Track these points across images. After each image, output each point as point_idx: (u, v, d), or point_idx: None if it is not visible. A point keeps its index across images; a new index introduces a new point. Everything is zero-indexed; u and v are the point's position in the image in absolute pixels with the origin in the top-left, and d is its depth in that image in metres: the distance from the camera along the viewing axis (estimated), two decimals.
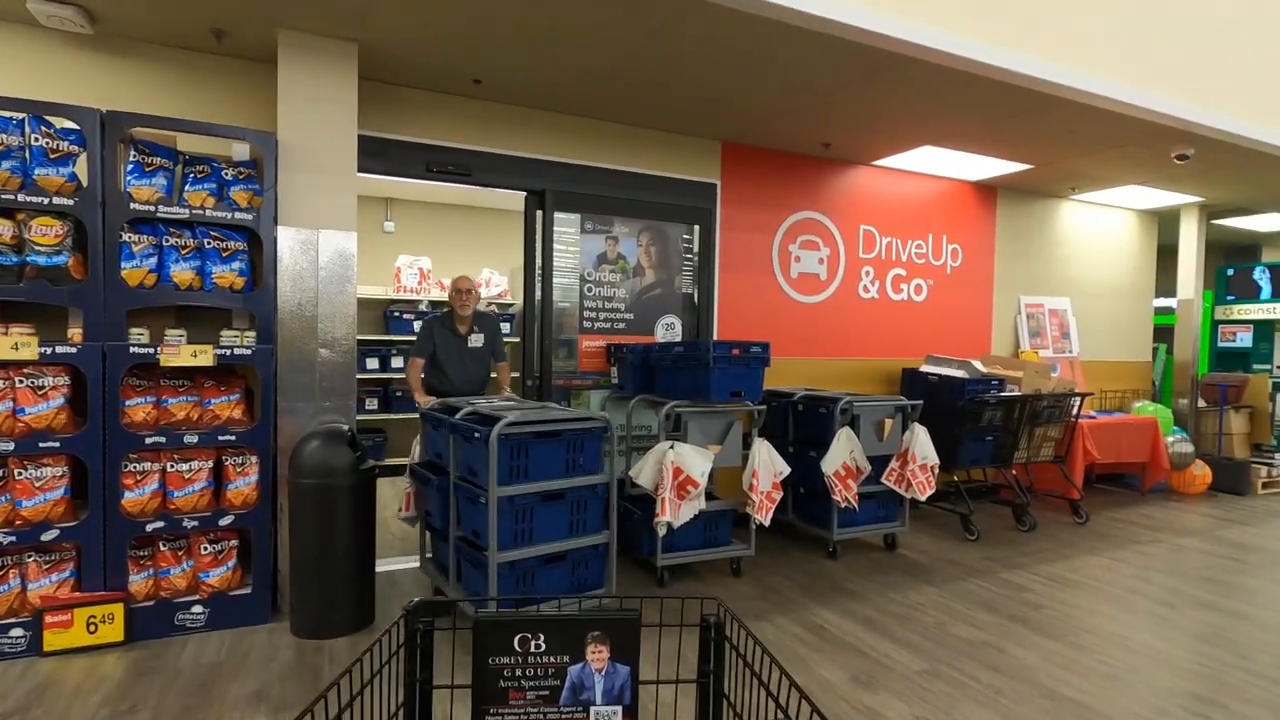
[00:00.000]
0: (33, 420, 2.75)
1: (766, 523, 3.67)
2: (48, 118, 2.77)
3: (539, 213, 4.25)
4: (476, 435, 2.80)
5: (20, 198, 2.70)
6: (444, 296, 6.52)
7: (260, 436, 3.08)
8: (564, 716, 1.36)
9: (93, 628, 2.76)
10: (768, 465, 3.72)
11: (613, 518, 3.13)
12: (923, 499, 4.14)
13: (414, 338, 6.25)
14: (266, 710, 2.37)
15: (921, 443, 4.15)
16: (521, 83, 3.78)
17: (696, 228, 4.73)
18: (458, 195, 6.76)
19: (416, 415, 6.26)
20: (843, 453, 3.95)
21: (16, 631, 2.70)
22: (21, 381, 2.74)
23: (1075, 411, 5.10)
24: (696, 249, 4.74)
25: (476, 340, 4.01)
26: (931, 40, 3.17)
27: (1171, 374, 7.22)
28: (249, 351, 3.05)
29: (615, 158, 4.43)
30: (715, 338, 4.76)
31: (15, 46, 3.11)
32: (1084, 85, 3.65)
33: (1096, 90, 3.70)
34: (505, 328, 6.63)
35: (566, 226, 4.33)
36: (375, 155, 3.74)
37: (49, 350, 2.73)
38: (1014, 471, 4.98)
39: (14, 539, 2.71)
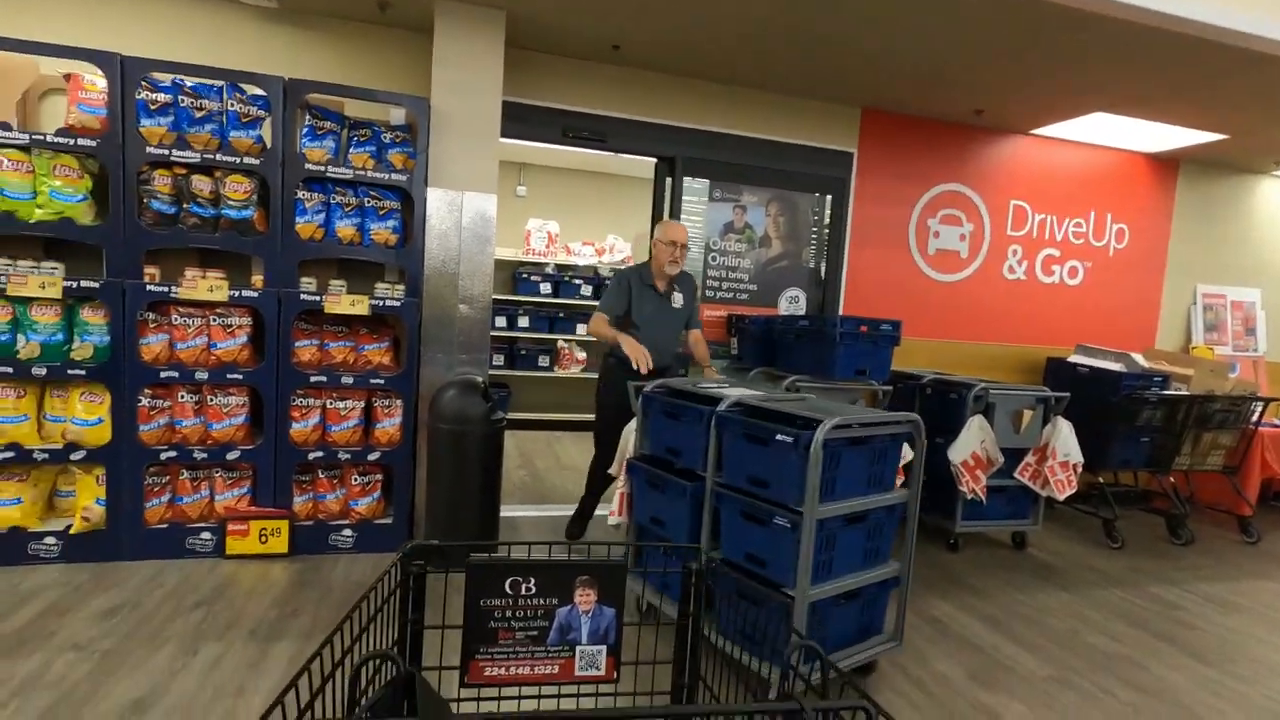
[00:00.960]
0: (223, 354, 3.14)
1: None
2: (241, 85, 3.10)
3: (668, 179, 4.26)
4: (783, 439, 2.18)
5: (218, 157, 3.05)
6: (572, 260, 6.73)
7: (405, 382, 3.35)
8: (550, 655, 1.40)
9: (264, 539, 3.16)
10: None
11: (909, 546, 2.53)
12: (1060, 498, 3.84)
13: (539, 299, 6.56)
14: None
15: (1064, 438, 3.83)
16: (659, 47, 3.77)
17: (829, 198, 4.56)
18: (587, 161, 6.89)
19: (539, 373, 6.61)
20: (973, 442, 3.73)
21: (205, 535, 3.14)
22: (214, 320, 3.13)
23: (1255, 418, 4.50)
24: (828, 220, 4.58)
25: (677, 300, 3.58)
26: None
27: None
28: (398, 304, 3.30)
29: (749, 124, 4.33)
30: (841, 313, 4.61)
31: (213, 20, 3.48)
32: None
33: None
34: None
35: (694, 194, 4.31)
36: (515, 120, 3.88)
37: (237, 294, 3.09)
38: (1172, 479, 4.50)
39: (205, 456, 3.14)
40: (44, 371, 2.91)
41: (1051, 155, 5.01)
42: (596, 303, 6.63)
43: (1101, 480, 4.38)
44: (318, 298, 3.19)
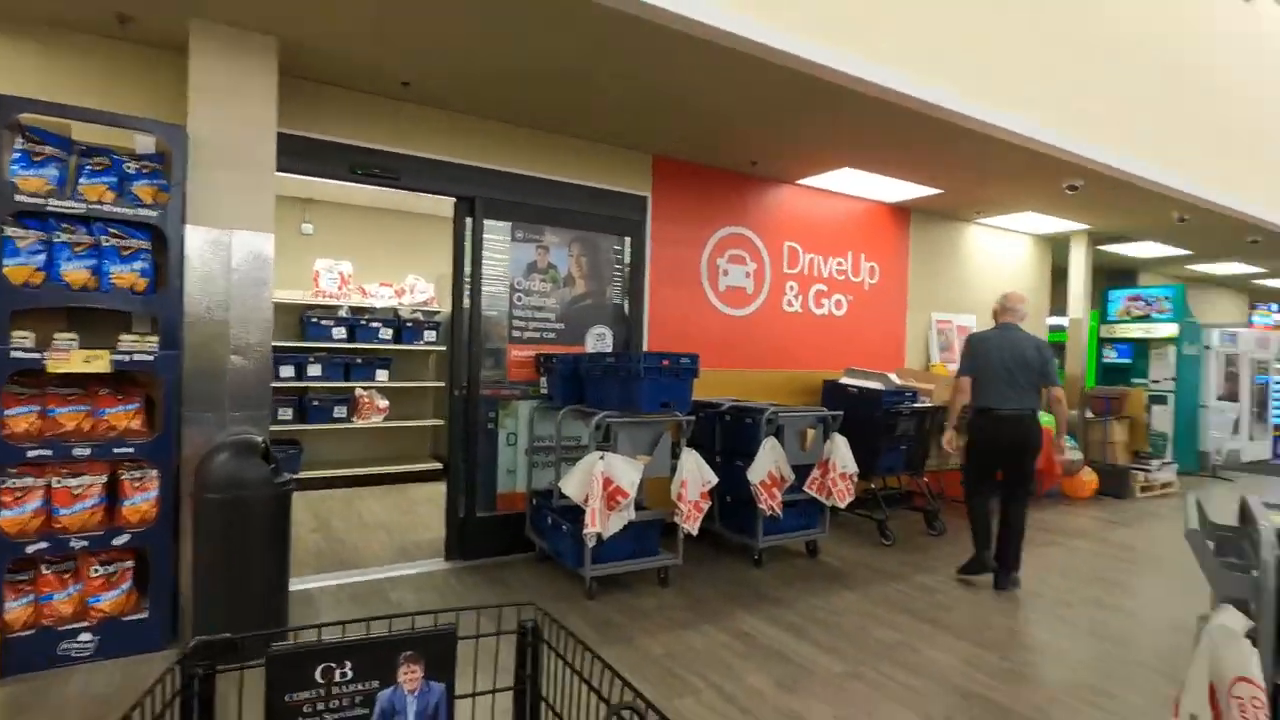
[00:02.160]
0: None
1: (695, 532, 3.72)
2: None
3: (469, 220, 4.18)
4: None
5: None
6: (369, 302, 6.31)
7: (161, 449, 2.88)
8: None
9: None
10: (696, 475, 3.77)
11: None
12: (843, 506, 4.30)
13: (332, 344, 6.04)
14: None
15: (842, 452, 4.31)
16: (451, 86, 3.72)
17: (628, 239, 4.77)
18: (381, 199, 6.56)
19: (335, 425, 6.05)
20: (768, 462, 4.06)
21: None
22: None
23: None
24: (628, 260, 4.78)
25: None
26: (854, 69, 3.34)
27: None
28: (150, 358, 2.85)
29: (548, 167, 4.42)
30: (645, 349, 4.81)
31: None
32: (989, 119, 3.93)
33: (1000, 123, 3.99)
34: (430, 336, 6.49)
35: (496, 234, 4.27)
36: (296, 154, 3.58)
37: None
38: (925, 479, 5.25)
39: None
40: None
41: (815, 202, 5.71)
42: (398, 346, 6.32)
43: (873, 486, 4.99)
44: (38, 355, 2.65)
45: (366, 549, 4.36)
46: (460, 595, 3.60)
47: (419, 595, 3.58)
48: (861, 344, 6.02)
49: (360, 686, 1.25)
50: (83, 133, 2.92)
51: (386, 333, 6.29)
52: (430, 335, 6.51)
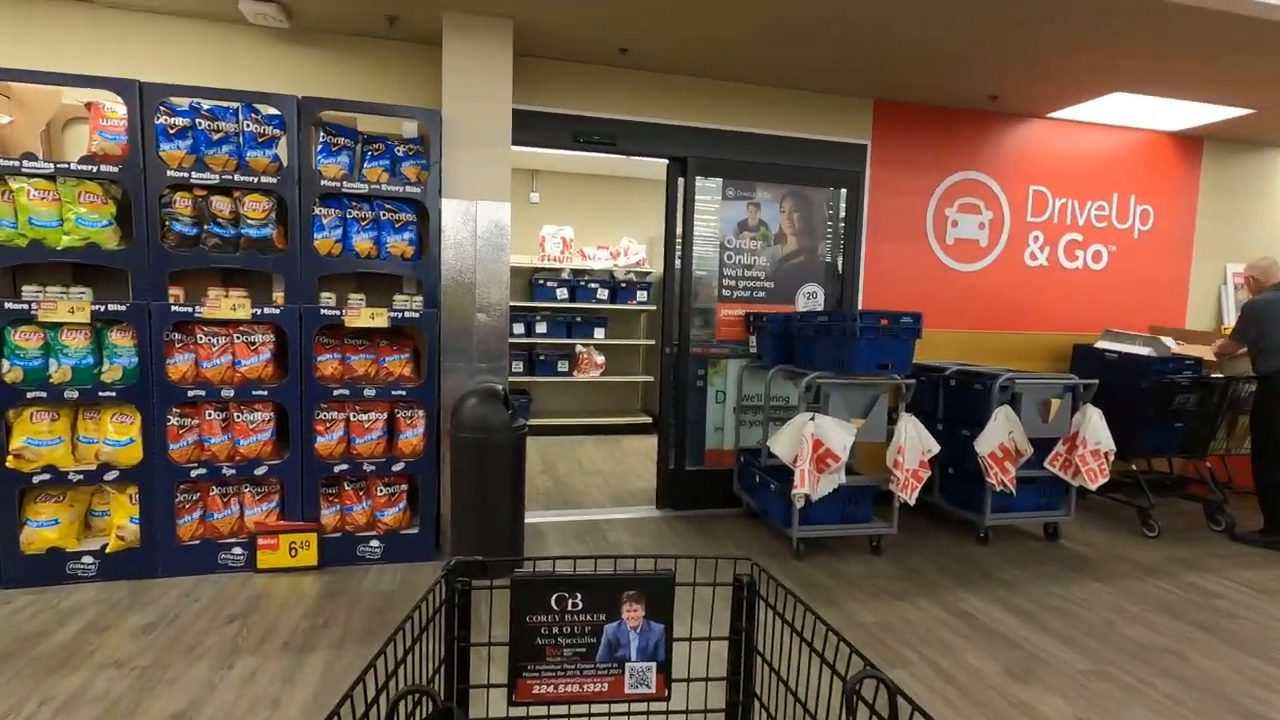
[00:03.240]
0: (247, 371, 3.19)
1: (911, 502, 3.51)
2: (256, 105, 3.14)
3: (680, 180, 4.25)
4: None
5: (236, 177, 3.10)
6: (587, 264, 6.74)
7: (426, 392, 3.38)
8: (600, 673, 1.37)
9: (294, 552, 3.20)
10: (915, 442, 3.54)
11: None
12: (1092, 488, 3.77)
13: (555, 304, 6.58)
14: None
15: (1094, 426, 3.76)
16: (667, 49, 3.76)
17: (844, 191, 4.52)
18: (599, 165, 6.90)
19: (558, 378, 6.63)
20: (1000, 433, 3.67)
21: (237, 550, 3.19)
22: (238, 338, 3.18)
23: None
24: (843, 214, 4.54)
25: None
26: None
27: None
28: (417, 315, 3.33)
29: (760, 121, 4.31)
30: (860, 307, 4.57)
31: (227, 43, 3.54)
32: None
33: None
34: (642, 296, 6.77)
35: (707, 194, 4.29)
36: (525, 128, 3.90)
37: (259, 311, 3.14)
38: (1209, 464, 4.39)
39: (234, 472, 3.19)
40: (76, 395, 2.97)
41: (1070, 138, 4.91)
42: (613, 306, 6.70)
43: (1135, 468, 4.29)
44: (338, 312, 3.23)
45: (586, 492, 4.76)
46: (671, 541, 3.79)
47: (633, 538, 3.84)
48: (1127, 302, 5.14)
49: (589, 618, 1.38)
50: (364, 123, 3.46)
51: (603, 293, 6.68)
52: (642, 295, 6.79)
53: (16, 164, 2.87)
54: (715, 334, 4.39)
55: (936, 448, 3.61)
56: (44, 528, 2.99)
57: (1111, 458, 3.78)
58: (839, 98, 4.43)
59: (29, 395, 2.93)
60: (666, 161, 4.27)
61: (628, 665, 1.39)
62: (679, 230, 4.27)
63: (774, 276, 4.45)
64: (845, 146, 4.48)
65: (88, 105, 3.09)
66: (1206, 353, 4.42)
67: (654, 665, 1.40)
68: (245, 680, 2.32)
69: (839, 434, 3.34)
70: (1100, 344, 4.67)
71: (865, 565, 3.53)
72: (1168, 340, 4.47)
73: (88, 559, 3.03)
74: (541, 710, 1.41)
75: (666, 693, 1.41)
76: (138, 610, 2.80)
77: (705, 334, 4.38)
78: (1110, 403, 4.01)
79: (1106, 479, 3.77)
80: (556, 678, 1.37)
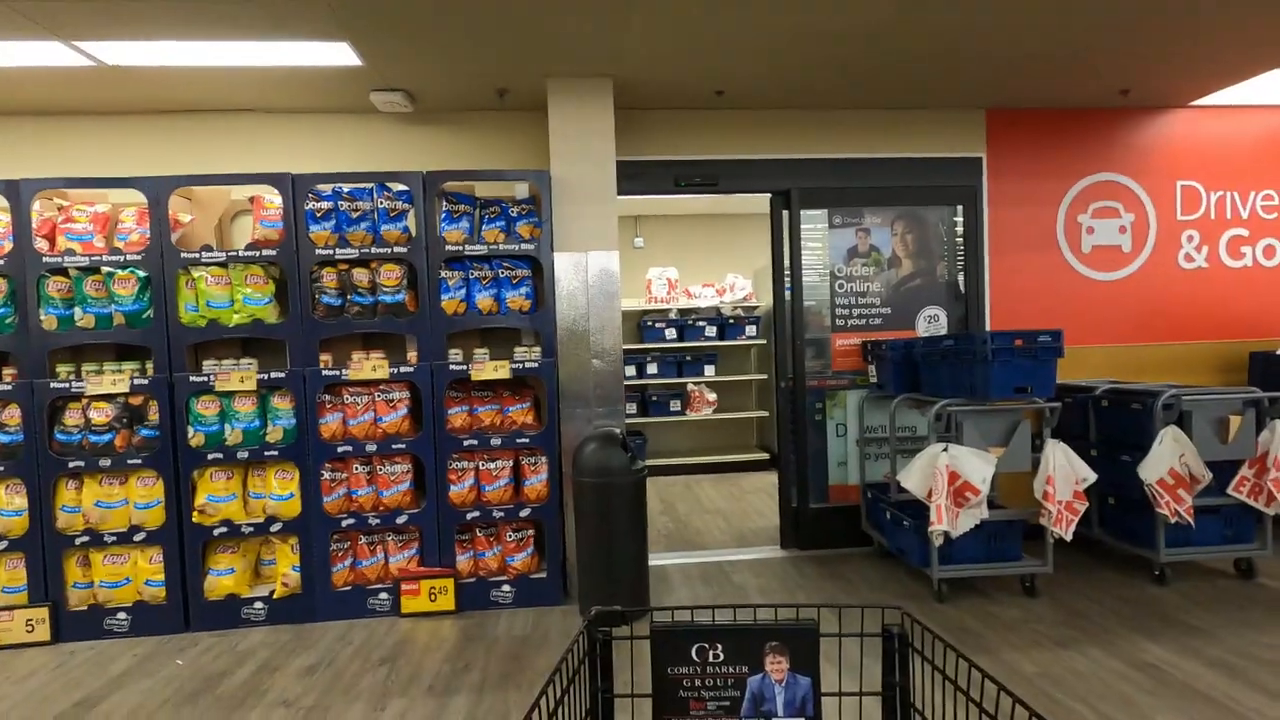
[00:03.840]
0: (388, 427, 3.44)
1: (1068, 537, 3.19)
2: (387, 184, 3.45)
3: (785, 212, 4.21)
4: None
5: (373, 250, 3.40)
6: (694, 303, 6.78)
7: (548, 439, 3.49)
8: None
9: (433, 597, 3.36)
10: (1066, 471, 3.23)
11: None
12: None
13: (665, 344, 6.64)
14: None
15: None
16: (763, 87, 3.79)
17: (960, 208, 4.30)
18: (700, 205, 6.99)
19: (671, 417, 6.65)
20: (1169, 457, 3.28)
21: (383, 595, 3.39)
22: (379, 396, 3.44)
23: None
24: (961, 231, 4.31)
25: None
26: None
27: None
28: (536, 364, 3.47)
29: (863, 146, 4.22)
30: (988, 327, 4.28)
31: (360, 131, 3.93)
32: None
33: None
34: (751, 331, 6.70)
35: (813, 223, 4.22)
36: (629, 177, 4.03)
37: (396, 370, 3.39)
38: None
39: (379, 521, 3.41)
40: (246, 455, 3.32)
41: (1220, 125, 4.43)
42: (721, 342, 6.67)
43: None
44: (465, 367, 3.43)
45: (707, 532, 4.69)
46: (799, 584, 3.64)
47: (759, 580, 3.73)
48: None
49: (731, 669, 1.33)
50: (481, 189, 3.71)
51: (711, 330, 6.68)
52: (751, 330, 6.73)
53: (197, 255, 3.31)
54: (830, 365, 4.26)
55: (1092, 476, 3.27)
56: (223, 576, 3.33)
57: None
58: (945, 112, 4.26)
59: (209, 457, 3.30)
60: (769, 195, 4.25)
61: None
62: (786, 263, 4.21)
63: (890, 302, 4.28)
64: (958, 161, 4.27)
65: (251, 199, 3.52)
66: None
67: None
68: None
69: (977, 465, 3.11)
70: None
71: (1020, 608, 3.22)
72: None
73: (258, 604, 3.33)
74: None
75: None
76: (301, 653, 3.02)
77: (820, 365, 4.26)
78: None
79: None
80: None
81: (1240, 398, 3.40)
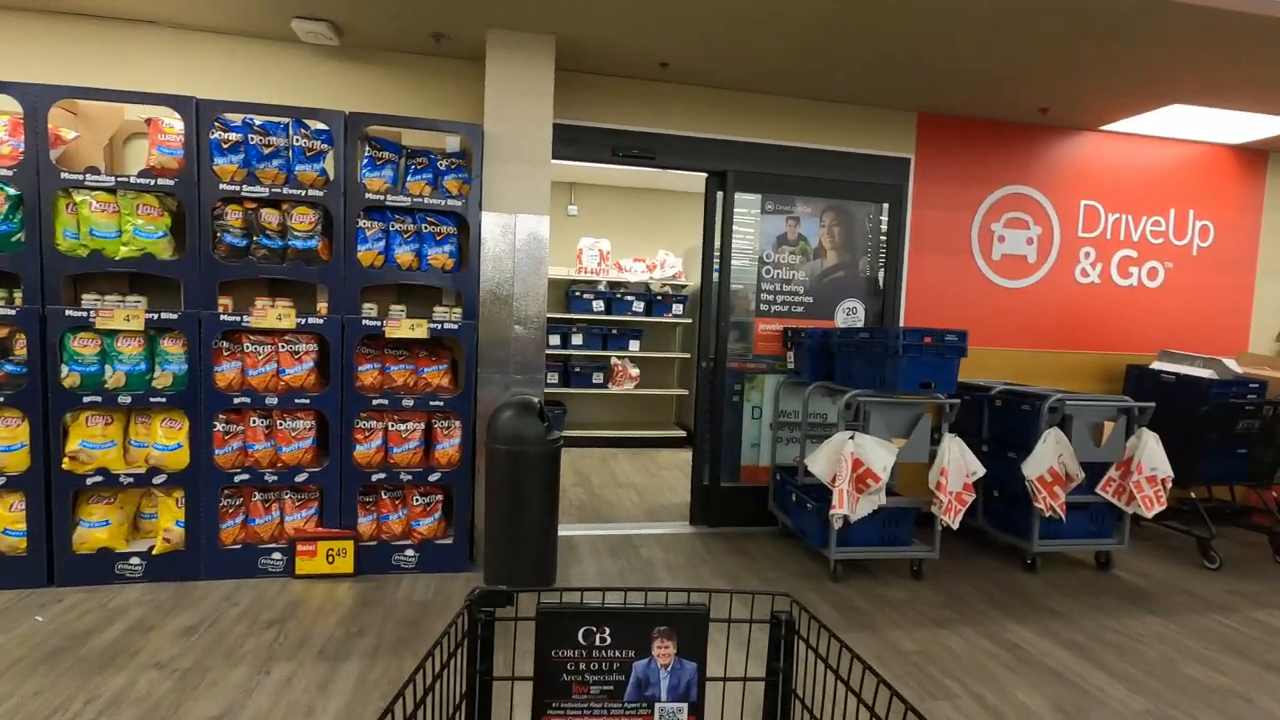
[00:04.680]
0: (291, 380, 3.25)
1: (955, 525, 3.40)
2: (305, 121, 3.22)
3: (719, 194, 4.22)
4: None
5: (285, 191, 3.18)
6: (624, 277, 6.75)
7: (463, 403, 3.40)
8: (628, 713, 1.29)
9: (331, 559, 3.24)
10: (959, 464, 3.43)
11: None
12: (1149, 515, 3.60)
13: (591, 316, 6.59)
14: None
15: (1151, 451, 3.59)
16: (710, 64, 3.75)
17: (886, 206, 4.44)
18: (637, 178, 6.92)
19: (593, 390, 6.64)
20: (1049, 456, 3.54)
21: (276, 555, 3.24)
22: (283, 347, 3.25)
23: None
24: (884, 229, 4.45)
25: None
26: None
27: None
28: (456, 326, 3.36)
29: (801, 135, 4.27)
30: (903, 323, 4.46)
31: (277, 60, 3.64)
32: None
33: None
34: (678, 309, 6.75)
35: (746, 207, 4.26)
36: (566, 142, 3.93)
37: (304, 321, 3.20)
38: (1275, 493, 4.16)
39: (276, 478, 3.24)
40: (129, 400, 3.07)
41: (1124, 151, 4.75)
42: (648, 319, 6.69)
43: (1194, 495, 4.09)
44: (379, 323, 3.28)
45: (619, 505, 4.73)
46: (705, 560, 3.73)
47: (666, 554, 3.79)
48: (1185, 322, 4.93)
49: (617, 654, 1.30)
50: (408, 138, 3.52)
51: (639, 305, 6.68)
52: (678, 308, 6.76)
53: (81, 177, 2.99)
54: (752, 348, 4.34)
55: (981, 470, 3.49)
56: (95, 528, 3.08)
57: (1169, 484, 3.61)
58: (882, 111, 4.37)
59: (85, 400, 3.03)
60: (706, 175, 4.25)
61: (657, 706, 1.31)
62: (717, 244, 4.24)
63: (813, 291, 4.39)
64: (888, 160, 4.40)
65: (148, 121, 3.21)
66: (1271, 375, 4.20)
67: (685, 706, 1.33)
68: (281, 686, 2.34)
69: (880, 454, 3.26)
70: (1156, 365, 4.48)
71: (906, 590, 3.42)
72: (1229, 362, 4.27)
73: (135, 560, 3.11)
74: None
75: None
76: (181, 612, 2.85)
77: (742, 348, 4.33)
78: (1168, 426, 3.84)
79: (1164, 506, 3.60)
80: (582, 716, 1.30)
81: (1115, 405, 3.70)
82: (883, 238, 4.46)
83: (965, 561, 3.86)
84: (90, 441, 3.05)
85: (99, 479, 3.06)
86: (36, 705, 2.17)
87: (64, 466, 3.02)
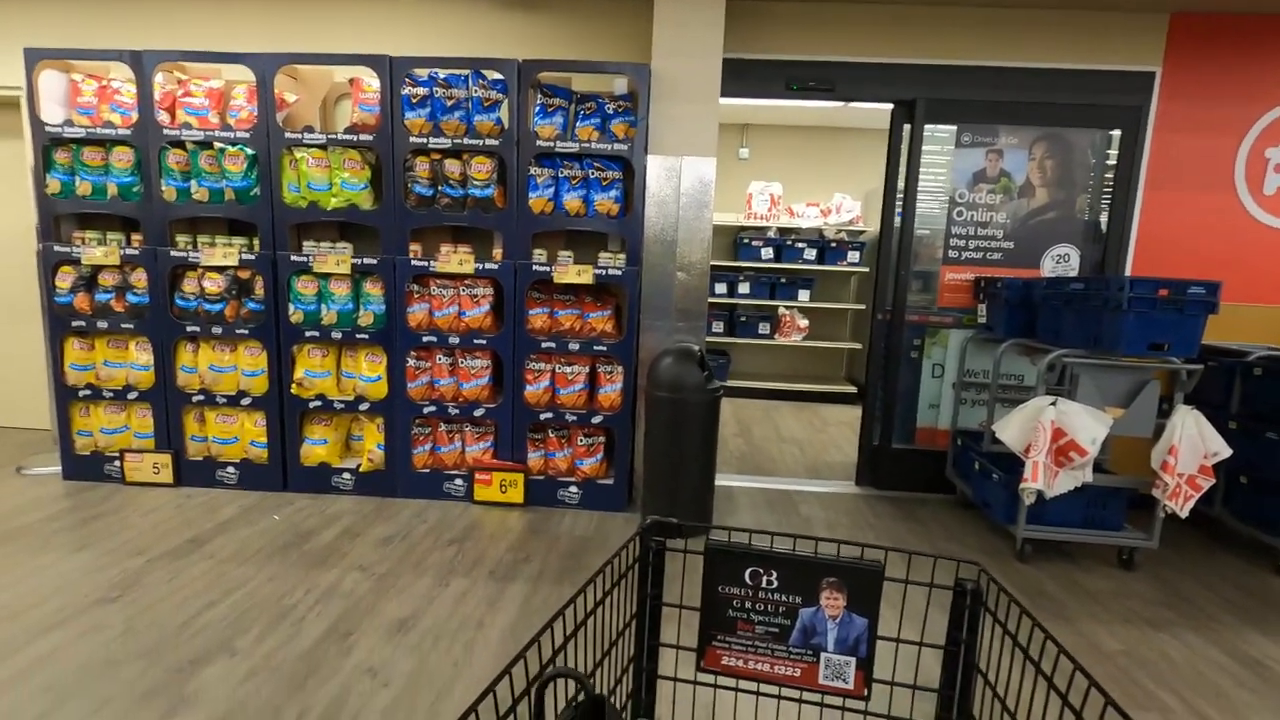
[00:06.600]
0: (470, 321, 3.49)
1: (1183, 513, 2.87)
2: (483, 71, 3.34)
3: (907, 126, 3.79)
4: None
5: (465, 141, 3.34)
6: (795, 223, 6.42)
7: (626, 349, 3.44)
8: (793, 657, 1.30)
9: (504, 489, 3.48)
10: (1194, 441, 2.87)
11: None
12: None
13: (759, 264, 6.36)
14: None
15: None
16: None
17: (1117, 133, 3.72)
18: (813, 117, 6.48)
19: (759, 340, 6.47)
20: None
21: (459, 481, 3.55)
22: (463, 290, 3.47)
23: None
24: (1113, 160, 3.75)
25: None
26: None
27: None
28: (620, 272, 3.38)
29: (1010, 53, 3.68)
30: (1128, 273, 3.78)
31: (457, 14, 3.79)
32: None
33: None
34: (853, 257, 6.31)
35: (937, 142, 3.79)
36: (736, 77, 3.72)
37: (481, 266, 3.40)
38: None
39: (458, 412, 3.53)
40: (340, 336, 3.47)
41: None
42: (820, 267, 6.32)
43: None
44: (548, 268, 3.38)
45: (781, 460, 4.60)
46: (870, 523, 3.52)
47: (827, 513, 3.63)
48: None
49: (784, 598, 1.30)
50: (577, 82, 3.53)
51: (811, 253, 6.34)
52: (854, 256, 6.33)
53: (299, 136, 3.36)
54: (937, 300, 3.92)
55: (1227, 451, 2.89)
56: (316, 445, 3.57)
57: None
58: (1118, 14, 3.62)
59: (307, 334, 3.47)
60: (891, 107, 3.83)
61: (823, 655, 1.30)
62: (901, 184, 3.83)
63: (1015, 235, 3.84)
64: (1124, 76, 3.67)
65: (351, 81, 3.51)
66: None
67: (853, 661, 1.28)
68: (458, 599, 2.57)
69: (1089, 424, 2.81)
70: None
71: (1112, 580, 2.97)
72: None
73: (346, 475, 3.57)
74: (729, 681, 1.36)
75: (866, 692, 1.29)
76: (381, 523, 3.24)
77: (925, 300, 3.93)
78: None
79: None
80: (746, 653, 1.33)
81: None
82: (1108, 172, 3.76)
83: (1194, 556, 3.28)
84: (311, 370, 3.51)
85: (318, 403, 3.52)
86: (270, 589, 2.58)
87: (293, 391, 3.51)
